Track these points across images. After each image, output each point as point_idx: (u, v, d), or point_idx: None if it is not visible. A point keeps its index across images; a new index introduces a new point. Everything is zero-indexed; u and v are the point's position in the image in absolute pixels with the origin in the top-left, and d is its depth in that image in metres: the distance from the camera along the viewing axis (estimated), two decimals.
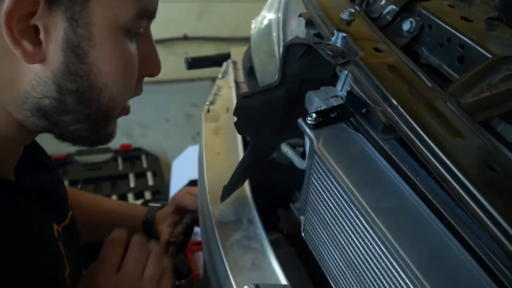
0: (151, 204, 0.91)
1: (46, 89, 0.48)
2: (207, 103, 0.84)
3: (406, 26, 0.58)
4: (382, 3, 0.60)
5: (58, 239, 0.59)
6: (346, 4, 0.59)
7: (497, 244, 0.29)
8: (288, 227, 0.81)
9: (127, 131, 2.51)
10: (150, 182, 2.01)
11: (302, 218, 0.62)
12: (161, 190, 1.95)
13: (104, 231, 0.86)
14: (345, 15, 0.53)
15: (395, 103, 0.39)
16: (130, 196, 1.92)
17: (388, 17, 0.59)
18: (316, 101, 0.56)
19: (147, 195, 1.94)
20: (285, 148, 0.70)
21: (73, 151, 2.05)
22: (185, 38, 2.89)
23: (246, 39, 0.93)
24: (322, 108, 0.53)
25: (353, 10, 0.53)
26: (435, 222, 0.40)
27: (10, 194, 0.52)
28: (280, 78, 0.55)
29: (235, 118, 0.57)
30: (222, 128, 0.79)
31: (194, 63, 1.01)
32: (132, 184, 1.97)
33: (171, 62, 2.57)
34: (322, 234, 0.55)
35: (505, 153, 0.35)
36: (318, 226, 0.56)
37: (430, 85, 0.43)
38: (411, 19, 0.57)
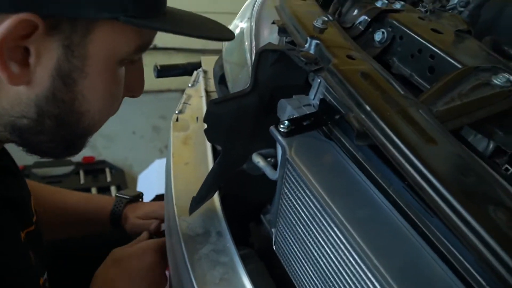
0: (119, 195, 0.88)
1: (26, 110, 0.47)
2: (176, 111, 0.83)
3: (378, 36, 0.59)
4: (354, 13, 0.61)
5: (27, 245, 0.57)
6: (319, 13, 0.60)
7: (472, 249, 0.29)
8: (259, 242, 0.80)
9: (91, 143, 2.44)
10: (114, 194, 1.95)
11: (273, 230, 0.61)
12: None
13: (69, 228, 0.84)
14: (318, 23, 0.54)
15: (369, 109, 0.39)
16: None
17: (360, 27, 0.60)
18: (289, 109, 0.56)
19: None
20: (256, 159, 0.69)
21: (31, 163, 1.97)
22: (155, 48, 2.86)
23: (218, 51, 0.93)
24: (294, 116, 0.53)
25: (326, 19, 0.54)
26: (409, 230, 0.40)
27: None
28: (252, 84, 0.55)
29: (205, 126, 0.56)
30: (191, 137, 0.77)
31: (163, 71, 1.00)
32: None
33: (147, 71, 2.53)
34: (293, 246, 0.54)
35: (478, 160, 0.35)
36: (290, 238, 0.55)
37: (402, 92, 0.43)
38: (382, 30, 0.58)
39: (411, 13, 0.62)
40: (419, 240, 0.39)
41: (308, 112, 0.52)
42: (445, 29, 0.57)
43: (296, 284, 0.58)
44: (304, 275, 0.53)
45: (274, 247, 0.61)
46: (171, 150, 0.75)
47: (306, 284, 0.53)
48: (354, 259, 0.40)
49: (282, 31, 0.57)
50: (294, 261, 0.55)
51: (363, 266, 0.38)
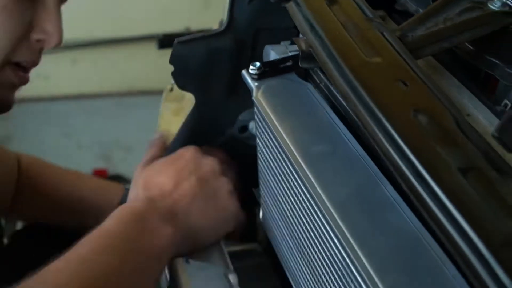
0: (127, 187, 1.03)
1: None
2: (172, 81, 0.97)
3: None
4: None
5: None
6: None
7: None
8: (265, 238, 0.91)
9: (105, 154, 2.68)
10: None
11: (261, 201, 0.73)
12: None
13: (69, 218, 1.00)
14: None
15: (319, 30, 0.50)
16: None
17: None
18: (272, 56, 0.69)
19: None
20: (252, 125, 0.82)
21: None
22: (189, 32, 3.10)
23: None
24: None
25: None
26: (368, 164, 0.50)
27: None
28: (226, 24, 0.67)
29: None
30: (184, 109, 0.91)
31: (166, 41, 1.15)
32: None
33: (169, 66, 2.75)
34: (272, 211, 0.66)
35: (415, 69, 0.45)
36: (269, 201, 0.66)
37: (371, 16, 0.54)
38: None
39: None
40: (376, 172, 0.49)
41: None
42: None
43: (281, 261, 0.69)
44: (283, 244, 0.64)
45: (261, 220, 0.72)
46: (159, 121, 0.89)
47: (285, 254, 0.64)
48: (304, 193, 0.51)
49: None
50: (275, 229, 0.67)
51: (310, 198, 0.49)
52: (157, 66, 0.72)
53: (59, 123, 2.50)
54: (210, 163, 0.72)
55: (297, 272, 0.63)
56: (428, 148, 0.38)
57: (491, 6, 0.55)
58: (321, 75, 0.59)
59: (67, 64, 2.55)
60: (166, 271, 0.63)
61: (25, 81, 0.76)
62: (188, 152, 0.72)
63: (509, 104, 0.53)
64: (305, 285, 0.60)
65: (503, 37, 0.55)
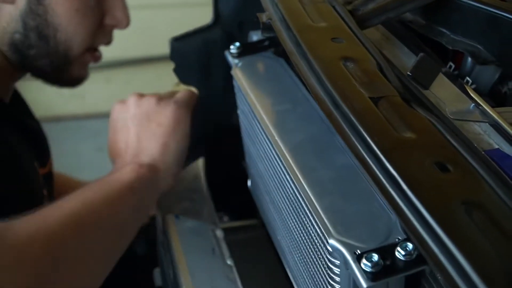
0: None
1: (17, 25, 0.79)
2: None
3: None
4: None
5: (43, 182, 0.85)
6: None
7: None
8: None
9: None
10: None
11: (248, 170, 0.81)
12: None
13: None
14: None
15: (279, 6, 0.59)
16: None
17: None
18: (255, 39, 0.78)
19: None
20: None
21: None
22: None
23: None
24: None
25: None
26: (324, 120, 0.58)
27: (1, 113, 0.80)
28: (214, 17, 0.77)
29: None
30: None
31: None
32: None
33: None
34: (253, 171, 0.74)
35: (355, 31, 0.53)
36: (250, 163, 0.74)
37: None
38: None
39: None
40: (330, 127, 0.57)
41: None
42: None
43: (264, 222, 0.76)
44: (262, 200, 0.72)
45: (249, 186, 0.80)
46: None
47: (264, 208, 0.71)
48: (268, 144, 0.59)
49: None
50: (257, 191, 0.75)
51: (271, 147, 0.57)
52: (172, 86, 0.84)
53: (93, 139, 2.64)
54: (147, 101, 0.79)
55: (272, 222, 0.70)
56: (346, 83, 0.45)
57: None
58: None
59: (101, 83, 2.70)
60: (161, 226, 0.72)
61: (98, 58, 0.89)
62: (129, 103, 0.81)
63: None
64: (278, 231, 0.68)
65: (448, 5, 0.61)
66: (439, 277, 0.38)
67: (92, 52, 0.87)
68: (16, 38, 0.79)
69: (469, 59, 0.61)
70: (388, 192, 0.37)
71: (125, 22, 0.86)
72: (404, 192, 0.36)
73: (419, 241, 0.34)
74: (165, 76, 2.83)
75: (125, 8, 0.86)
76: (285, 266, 0.68)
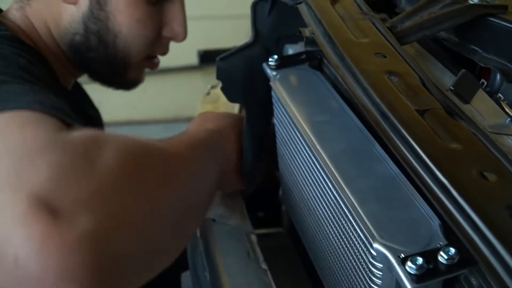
0: None
1: (77, 27, 0.83)
2: (209, 86, 1.11)
3: None
4: None
5: None
6: None
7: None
8: (289, 222, 1.01)
9: None
10: None
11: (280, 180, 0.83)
12: None
13: None
14: None
15: (322, 21, 0.62)
16: None
17: None
18: (290, 52, 0.81)
19: None
20: None
21: None
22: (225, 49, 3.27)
23: None
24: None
25: None
26: (362, 130, 0.60)
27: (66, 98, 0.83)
28: (254, 36, 0.80)
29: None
30: (218, 108, 1.04)
31: (206, 56, 1.28)
32: None
33: None
34: (287, 179, 0.76)
35: (395, 47, 0.56)
36: (284, 171, 0.77)
37: (365, 10, 0.65)
38: None
39: None
40: (368, 137, 0.59)
41: None
42: None
43: (299, 231, 0.79)
44: (299, 213, 0.75)
45: (281, 194, 0.83)
46: None
47: (298, 216, 0.74)
48: (307, 153, 0.62)
49: None
50: (291, 201, 0.77)
51: (312, 156, 0.60)
52: (202, 94, 0.89)
53: None
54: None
55: (307, 229, 0.73)
56: (392, 96, 0.48)
57: (470, 1, 0.66)
58: (329, 65, 0.71)
59: (118, 92, 2.74)
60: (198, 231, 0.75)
61: (156, 65, 0.95)
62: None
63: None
64: (313, 238, 0.70)
65: (480, 25, 0.64)
66: (488, 276, 0.41)
67: (150, 59, 0.92)
68: (77, 39, 0.83)
69: (498, 76, 0.64)
70: (439, 198, 0.40)
71: (182, 36, 0.90)
72: (454, 198, 0.39)
73: (469, 242, 0.37)
74: (179, 86, 2.88)
75: (184, 22, 0.89)
76: (318, 271, 0.71)
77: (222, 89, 0.86)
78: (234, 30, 2.77)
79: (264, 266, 0.71)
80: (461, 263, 0.43)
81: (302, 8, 0.69)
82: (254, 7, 0.79)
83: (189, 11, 0.90)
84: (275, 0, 0.76)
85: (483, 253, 0.36)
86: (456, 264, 0.43)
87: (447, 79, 0.64)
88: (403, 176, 0.54)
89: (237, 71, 0.84)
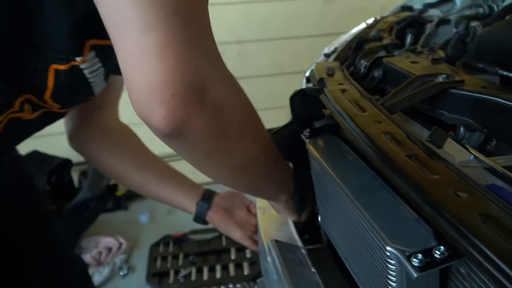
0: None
1: None
2: None
3: (376, 74, 0.83)
4: (361, 62, 0.87)
5: None
6: (334, 66, 0.87)
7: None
8: (325, 238, 0.99)
9: None
10: (248, 255, 2.25)
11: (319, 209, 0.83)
12: (256, 262, 2.17)
13: (148, 190, 0.97)
14: (327, 70, 0.82)
15: (336, 104, 0.64)
16: (231, 266, 2.17)
17: (364, 70, 0.85)
18: (317, 125, 0.82)
19: (245, 265, 2.17)
20: None
21: (187, 231, 2.42)
22: None
23: None
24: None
25: (332, 67, 0.81)
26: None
27: None
28: (293, 118, 0.83)
29: None
30: None
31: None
32: (233, 257, 2.24)
33: None
34: (324, 212, 0.76)
35: (387, 116, 0.57)
36: (322, 207, 0.77)
37: (364, 94, 0.67)
38: (378, 69, 0.83)
39: (402, 56, 0.85)
40: (376, 177, 0.59)
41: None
42: (421, 60, 0.79)
43: (335, 246, 0.77)
44: (334, 233, 0.74)
45: (319, 219, 0.82)
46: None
47: (337, 239, 0.73)
48: (343, 199, 0.62)
49: (308, 80, 0.86)
50: (328, 224, 0.77)
51: (352, 206, 0.60)
52: None
53: None
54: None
55: (340, 243, 0.71)
56: (388, 148, 0.49)
57: (439, 79, 0.66)
58: (344, 132, 0.72)
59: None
60: None
61: None
62: None
63: None
64: (345, 249, 0.69)
65: (444, 96, 0.64)
66: (471, 265, 0.39)
67: None
68: None
69: (462, 128, 0.64)
70: (429, 212, 0.40)
71: None
72: (439, 211, 0.39)
73: (454, 241, 0.36)
74: None
75: None
76: (351, 271, 0.69)
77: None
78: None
79: (313, 269, 0.70)
80: (450, 257, 0.42)
81: (323, 96, 0.72)
82: (291, 99, 0.82)
83: None
84: (305, 93, 0.79)
85: (465, 247, 0.36)
86: (447, 257, 0.42)
87: (424, 134, 0.64)
88: (401, 199, 0.53)
89: (285, 140, 0.86)
